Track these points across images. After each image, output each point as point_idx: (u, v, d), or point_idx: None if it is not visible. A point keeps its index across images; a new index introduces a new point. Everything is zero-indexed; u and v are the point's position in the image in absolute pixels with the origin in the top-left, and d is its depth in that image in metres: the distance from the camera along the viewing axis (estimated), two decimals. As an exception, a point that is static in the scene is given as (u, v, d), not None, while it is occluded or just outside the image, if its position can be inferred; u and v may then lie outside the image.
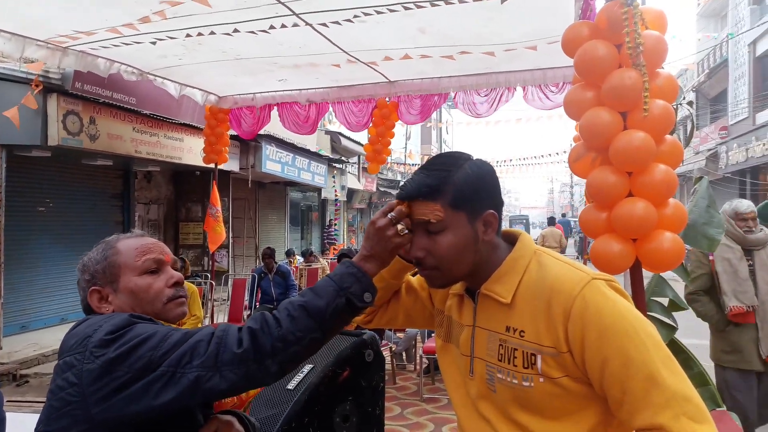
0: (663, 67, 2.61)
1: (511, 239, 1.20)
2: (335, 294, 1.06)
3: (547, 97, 5.57)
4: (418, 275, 1.43)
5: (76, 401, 1.03)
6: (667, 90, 2.53)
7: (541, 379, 1.03)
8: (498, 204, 1.15)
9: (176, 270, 1.29)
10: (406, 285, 1.42)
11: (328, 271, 9.87)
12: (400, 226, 1.12)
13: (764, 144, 16.47)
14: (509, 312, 1.10)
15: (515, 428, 1.08)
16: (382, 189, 25.65)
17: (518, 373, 1.06)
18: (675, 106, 2.76)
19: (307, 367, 1.98)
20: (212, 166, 7.66)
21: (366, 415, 2.03)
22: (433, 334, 5.98)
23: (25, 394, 5.16)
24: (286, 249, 13.02)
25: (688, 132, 3.41)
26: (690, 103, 2.86)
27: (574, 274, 1.06)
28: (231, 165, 9.97)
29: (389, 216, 1.13)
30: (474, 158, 1.16)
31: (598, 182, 2.49)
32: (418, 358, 5.79)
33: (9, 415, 2.63)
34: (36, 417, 3.05)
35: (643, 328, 1.00)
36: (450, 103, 6.83)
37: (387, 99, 6.66)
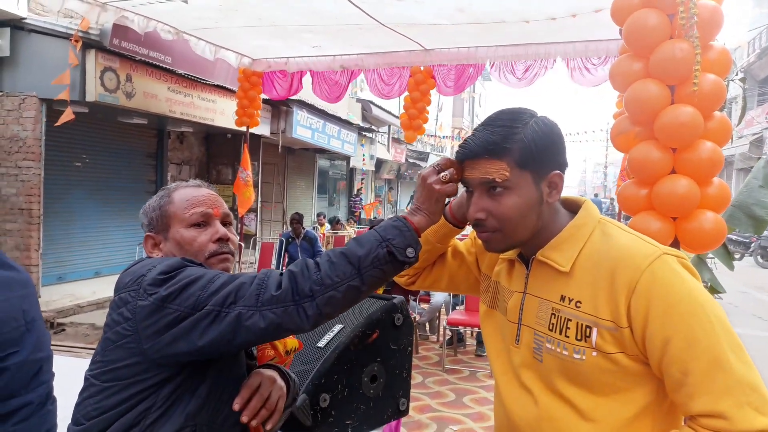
0: (717, 40, 2.49)
1: (573, 207, 1.14)
2: (377, 244, 1.04)
3: (589, 71, 5.40)
4: (466, 240, 1.41)
5: (130, 335, 1.08)
6: (720, 64, 2.43)
7: (594, 353, 0.99)
8: (563, 165, 1.09)
9: (228, 224, 1.30)
10: (452, 249, 1.39)
11: (355, 239, 10.03)
12: (443, 174, 1.09)
13: (812, 130, 15.76)
14: (566, 281, 1.05)
15: (558, 401, 1.04)
16: (411, 160, 25.51)
17: (570, 344, 1.01)
18: (726, 82, 2.64)
19: (337, 327, 2.00)
20: (244, 129, 7.71)
21: (393, 377, 2.05)
22: (458, 307, 6.02)
23: (62, 341, 5.37)
24: (313, 216, 13.13)
25: (740, 110, 3.24)
26: (743, 80, 2.74)
27: (644, 247, 1.00)
28: (262, 129, 10.01)
29: (434, 166, 1.11)
30: (539, 114, 1.09)
31: (640, 157, 2.42)
32: (441, 329, 5.82)
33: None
34: (71, 360, 3.16)
35: (712, 310, 0.94)
36: (484, 75, 6.66)
37: (421, 67, 6.55)
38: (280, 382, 1.24)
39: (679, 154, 2.40)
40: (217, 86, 8.77)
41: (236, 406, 1.13)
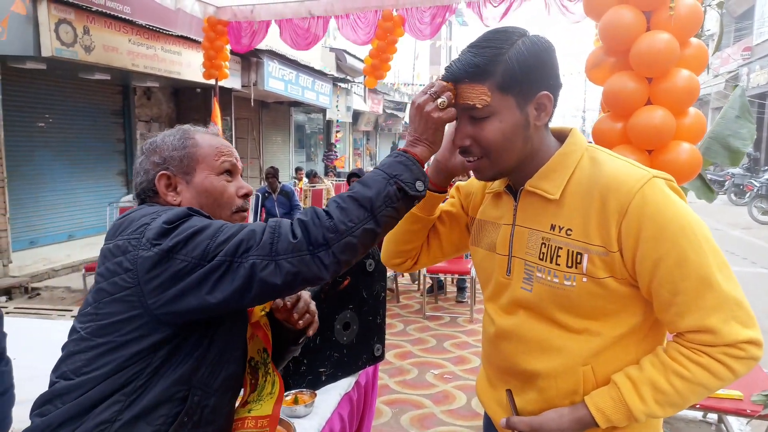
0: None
1: (561, 136, 1.11)
2: (385, 182, 0.99)
3: (567, 8, 5.23)
4: (449, 199, 1.36)
5: (131, 288, 1.00)
6: (697, -13, 2.32)
7: (585, 279, 1.00)
8: (555, 86, 1.05)
9: None
10: (439, 216, 1.34)
11: (333, 193, 9.80)
12: (440, 100, 1.02)
13: (787, 66, 15.80)
14: (556, 209, 1.05)
15: (551, 324, 1.06)
16: (388, 111, 25.16)
17: (560, 272, 1.02)
18: (704, 8, 2.55)
19: (306, 275, 1.94)
20: (212, 82, 7.44)
21: (367, 324, 2.01)
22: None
23: (38, 305, 5.27)
24: (291, 170, 12.96)
25: (717, 39, 3.13)
26: (720, 4, 2.64)
27: (634, 171, 1.00)
28: (232, 82, 9.69)
29: (429, 92, 1.04)
30: (530, 34, 1.04)
31: (615, 89, 2.34)
32: (421, 277, 5.83)
33: (19, 321, 2.67)
34: (44, 322, 3.06)
35: (700, 230, 0.96)
36: (461, 20, 6.48)
37: (394, 11, 6.31)
38: (313, 308, 1.29)
39: (655, 84, 2.32)
40: (182, 37, 8.39)
41: (300, 323, 1.23)
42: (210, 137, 1.21)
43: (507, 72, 1.00)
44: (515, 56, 1.00)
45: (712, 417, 3.01)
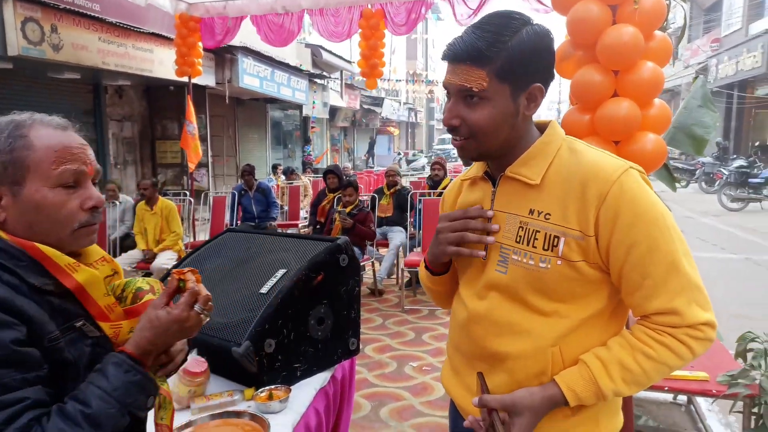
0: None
1: (541, 127, 1.16)
2: (119, 415, 0.89)
3: (541, 1, 5.28)
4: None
5: None
6: (660, -19, 2.36)
7: (559, 262, 1.05)
8: (548, 78, 1.09)
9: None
10: None
11: (310, 190, 9.56)
12: (197, 306, 1.00)
13: (755, 56, 16.18)
14: (536, 195, 1.09)
15: (522, 307, 1.10)
16: (365, 106, 25.13)
17: (537, 254, 1.06)
18: (668, 1, 2.60)
19: (280, 272, 1.94)
20: (186, 79, 7.34)
21: (341, 318, 2.02)
22: (415, 249, 6.05)
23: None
24: (268, 167, 12.87)
25: (681, 31, 3.19)
26: (684, -2, 2.70)
27: (612, 161, 1.06)
28: (206, 79, 9.59)
29: (166, 295, 1.00)
30: (534, 23, 1.06)
31: (583, 81, 2.37)
32: (400, 271, 5.86)
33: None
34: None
35: (670, 220, 1.03)
36: (437, 15, 6.51)
37: (370, 6, 6.30)
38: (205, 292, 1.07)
39: (621, 77, 2.36)
40: (153, 34, 8.27)
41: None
42: (51, 134, 0.97)
43: (507, 61, 1.02)
44: (518, 46, 1.02)
45: (682, 399, 3.09)
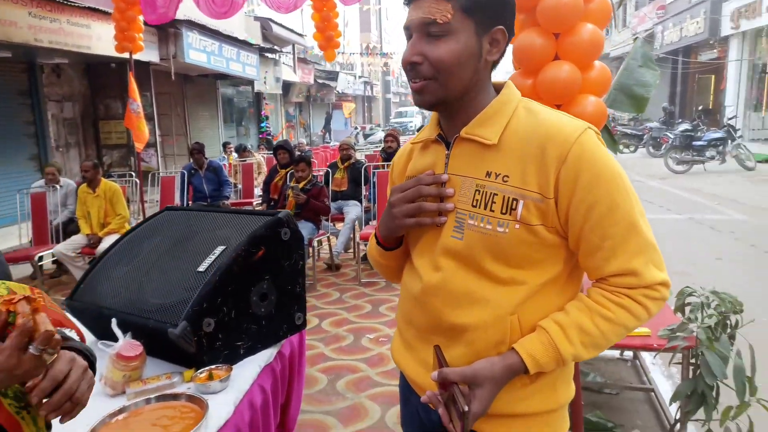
0: None
1: (498, 88, 1.12)
2: None
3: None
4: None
5: None
6: (598, -60, 2.35)
7: (517, 226, 1.02)
8: (510, 24, 1.05)
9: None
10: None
11: (264, 167, 9.38)
12: (33, 349, 0.80)
13: (697, 22, 16.62)
14: (493, 156, 1.05)
15: (479, 275, 1.07)
16: (320, 81, 24.70)
17: (494, 218, 1.03)
18: (606, -38, 2.59)
19: (219, 249, 1.88)
20: (127, 56, 7.01)
21: (285, 293, 1.98)
22: (371, 222, 6.03)
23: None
24: (220, 145, 12.54)
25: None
26: (621, -42, 2.69)
27: (571, 121, 1.04)
28: (149, 55, 9.20)
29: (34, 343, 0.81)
30: None
31: (524, 45, 2.35)
32: (356, 245, 5.84)
33: None
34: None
35: (627, 180, 1.03)
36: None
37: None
38: (89, 372, 0.93)
39: (562, 39, 2.35)
40: (89, 8, 7.85)
41: (34, 399, 0.83)
42: None
43: None
44: None
45: (628, 354, 3.20)
